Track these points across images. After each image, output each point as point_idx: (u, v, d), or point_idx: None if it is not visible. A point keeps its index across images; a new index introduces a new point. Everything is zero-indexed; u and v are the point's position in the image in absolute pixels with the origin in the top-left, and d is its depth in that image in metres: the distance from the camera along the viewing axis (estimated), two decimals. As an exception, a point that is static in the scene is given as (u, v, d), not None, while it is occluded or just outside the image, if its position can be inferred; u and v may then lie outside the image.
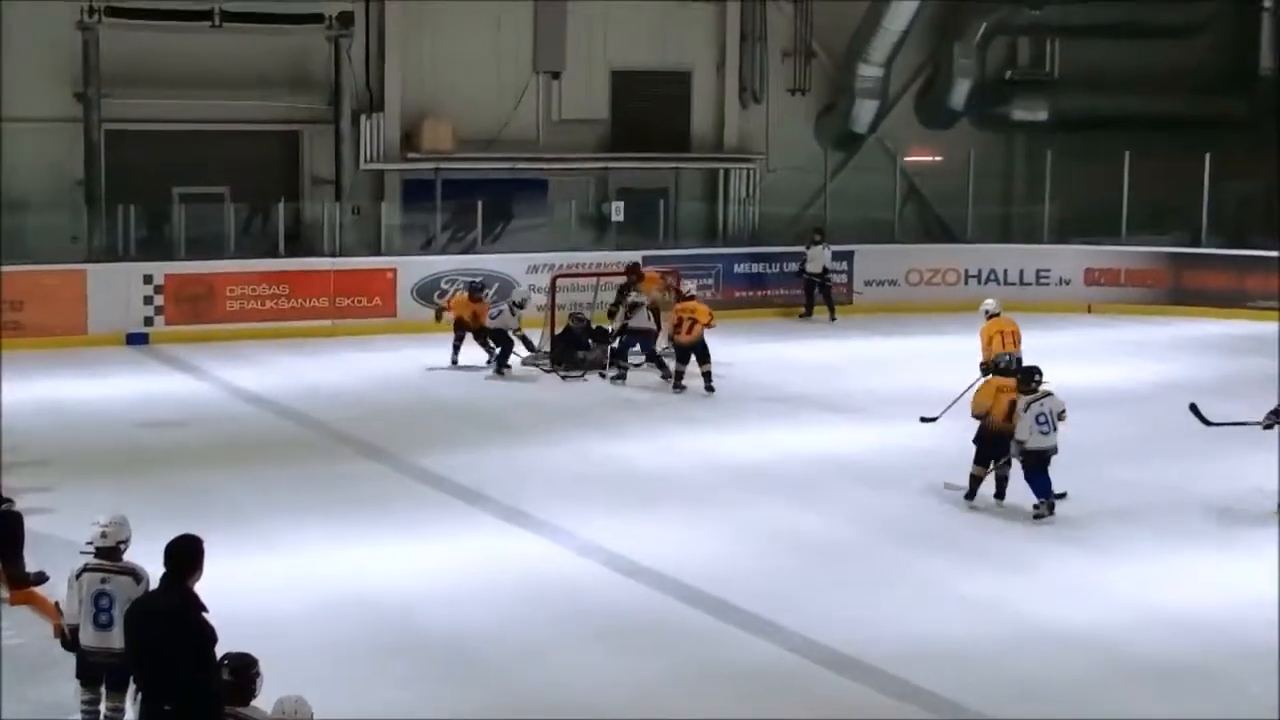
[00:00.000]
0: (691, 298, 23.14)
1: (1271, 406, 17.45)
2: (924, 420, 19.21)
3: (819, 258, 29.75)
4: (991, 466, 16.46)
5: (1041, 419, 16.08)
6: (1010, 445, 16.23)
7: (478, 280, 25.71)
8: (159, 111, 28.72)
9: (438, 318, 25.10)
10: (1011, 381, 16.60)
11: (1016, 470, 16.42)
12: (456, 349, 24.16)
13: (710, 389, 22.26)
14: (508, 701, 11.52)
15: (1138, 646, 12.66)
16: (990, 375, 17.55)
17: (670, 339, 22.94)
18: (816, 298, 29.87)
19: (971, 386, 17.99)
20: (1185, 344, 27.23)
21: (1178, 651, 12.56)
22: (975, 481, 16.59)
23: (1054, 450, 16.19)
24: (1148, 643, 12.73)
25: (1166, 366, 25.25)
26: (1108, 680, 12.00)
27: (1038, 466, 16.17)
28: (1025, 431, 16.01)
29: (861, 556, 15.09)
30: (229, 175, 29.31)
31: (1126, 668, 12.26)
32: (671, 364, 22.67)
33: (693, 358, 22.40)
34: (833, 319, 29.41)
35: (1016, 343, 20.68)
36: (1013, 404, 16.30)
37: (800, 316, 29.79)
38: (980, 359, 20.14)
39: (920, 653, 12.42)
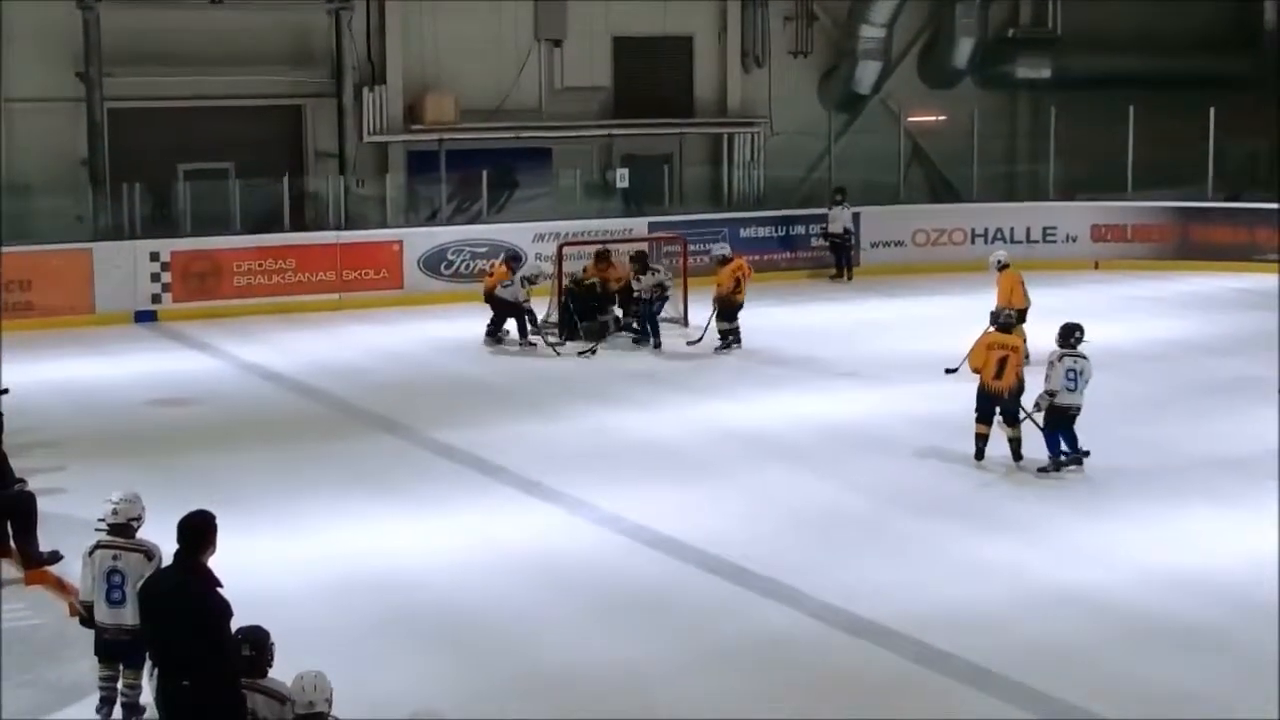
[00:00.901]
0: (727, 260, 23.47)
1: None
2: (948, 371, 19.07)
3: (840, 218, 29.88)
4: (1022, 422, 16.45)
5: (1071, 375, 16.06)
6: (1026, 400, 16.21)
7: (513, 251, 25.54)
8: (161, 89, 28.69)
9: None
10: (1003, 337, 16.61)
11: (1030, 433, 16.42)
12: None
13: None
14: (528, 674, 11.54)
15: (1153, 608, 12.67)
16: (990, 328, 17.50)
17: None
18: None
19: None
20: (1193, 299, 27.21)
21: (1193, 612, 12.57)
22: (979, 439, 16.59)
23: (1077, 409, 16.15)
24: (1163, 604, 12.74)
25: (1176, 323, 25.24)
26: (1123, 642, 12.02)
27: (1060, 424, 16.13)
28: (1056, 383, 16.00)
29: (876, 522, 15.09)
30: (233, 151, 29.27)
31: (1141, 629, 12.27)
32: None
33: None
34: (849, 279, 29.39)
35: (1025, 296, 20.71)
36: (1002, 361, 16.29)
37: (831, 279, 29.74)
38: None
39: (938, 617, 12.44)
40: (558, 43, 31.76)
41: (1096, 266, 30.78)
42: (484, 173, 29.61)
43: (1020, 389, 16.54)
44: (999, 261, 21.44)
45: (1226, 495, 15.68)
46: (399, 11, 30.52)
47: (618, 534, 14.70)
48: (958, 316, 24.24)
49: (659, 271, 24.00)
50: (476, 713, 10.91)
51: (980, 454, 16.59)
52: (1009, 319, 17.10)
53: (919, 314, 26.28)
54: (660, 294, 23.61)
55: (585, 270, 24.59)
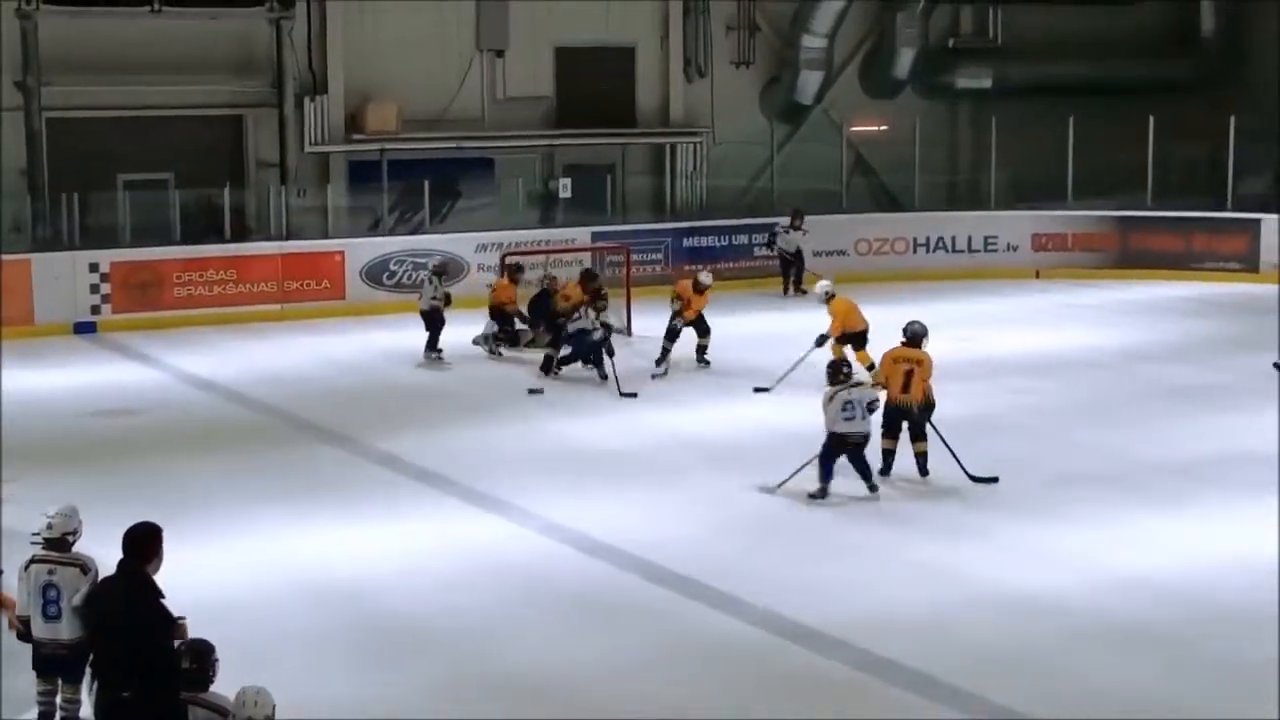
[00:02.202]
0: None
1: (1225, 367, 17.46)
2: (757, 390, 19.57)
3: (795, 241, 29.44)
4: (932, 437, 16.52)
5: (847, 407, 15.77)
6: (908, 417, 16.36)
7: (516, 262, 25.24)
8: (101, 99, 28.52)
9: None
10: (909, 352, 16.63)
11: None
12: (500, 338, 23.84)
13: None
14: (472, 683, 11.49)
15: (1099, 611, 12.72)
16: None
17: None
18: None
19: (803, 359, 19.67)
20: (1134, 307, 27.35)
21: (1139, 615, 12.62)
22: (886, 454, 16.48)
23: (862, 436, 15.84)
24: (1109, 607, 12.79)
25: (1117, 330, 25.38)
26: (1069, 645, 12.06)
27: (836, 451, 15.82)
28: (830, 420, 15.80)
29: (821, 528, 15.12)
30: (173, 161, 29.11)
31: (1087, 632, 12.31)
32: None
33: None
34: (799, 292, 29.03)
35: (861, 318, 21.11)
36: (908, 375, 16.36)
37: (786, 295, 29.40)
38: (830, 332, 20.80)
39: (883, 622, 12.46)
40: (500, 53, 31.73)
41: (1038, 275, 30.93)
42: (426, 183, 29.52)
43: (928, 403, 16.55)
44: (826, 293, 21.35)
45: (1170, 499, 15.76)
46: (340, 21, 30.44)
47: (563, 542, 14.66)
48: (900, 325, 24.32)
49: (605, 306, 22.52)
50: (427, 717, 10.86)
51: (887, 469, 16.47)
52: (916, 333, 17.02)
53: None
54: (607, 334, 21.87)
55: (565, 285, 23.95)
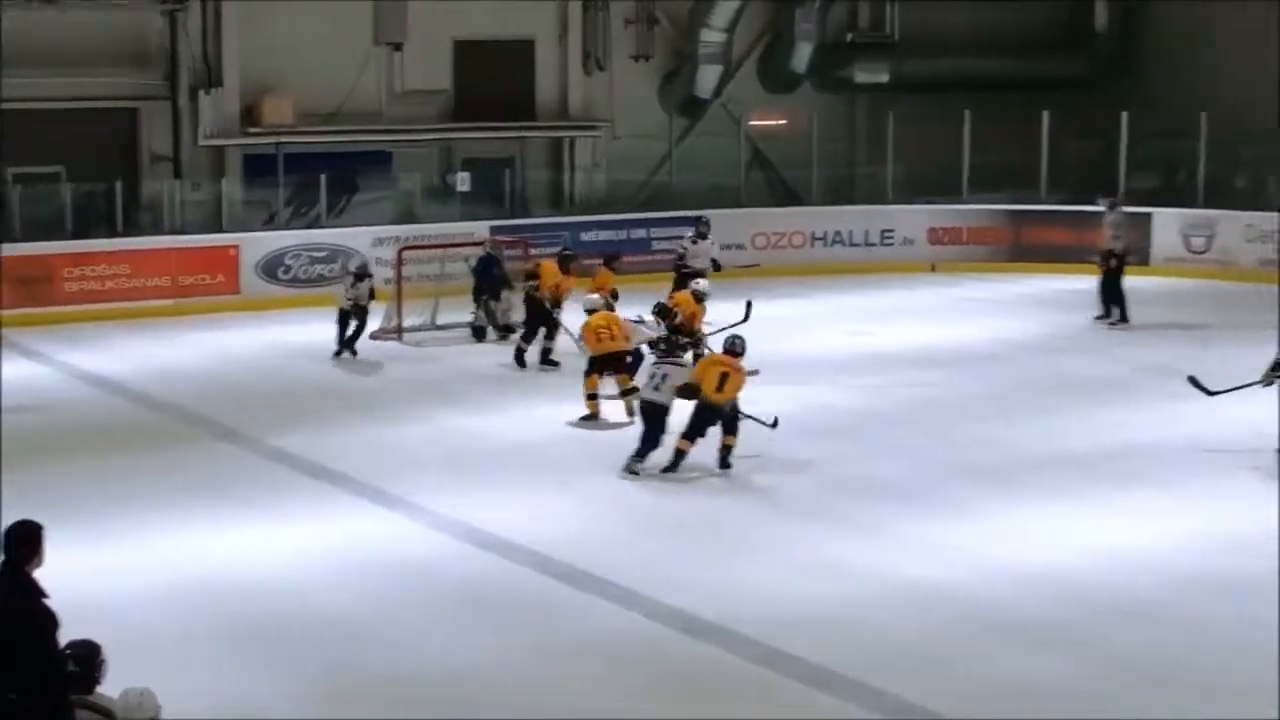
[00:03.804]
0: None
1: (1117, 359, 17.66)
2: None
3: (706, 252, 26.31)
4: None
5: (653, 377, 16.76)
6: (720, 416, 16.55)
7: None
8: (-10, 91, 28.11)
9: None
10: (724, 358, 16.84)
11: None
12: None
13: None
14: (372, 678, 11.44)
15: (995, 604, 12.80)
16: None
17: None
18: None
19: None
20: (1028, 300, 27.61)
21: (1034, 608, 12.72)
22: (678, 454, 16.57)
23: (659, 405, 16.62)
24: (1005, 600, 12.88)
25: (1011, 323, 25.60)
26: (966, 638, 12.15)
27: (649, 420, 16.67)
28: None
29: (714, 522, 15.17)
30: (64, 154, 28.69)
31: (977, 623, 12.41)
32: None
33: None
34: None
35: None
36: (723, 376, 16.51)
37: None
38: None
39: (781, 617, 12.49)
40: (398, 46, 31.51)
41: (933, 268, 31.16)
42: (323, 176, 29.33)
43: (735, 406, 16.70)
44: (701, 293, 21.13)
45: (1066, 491, 15.89)
46: (235, 12, 30.12)
47: (454, 537, 14.63)
48: (798, 319, 24.51)
49: None
50: (320, 717, 10.80)
51: (674, 467, 16.54)
52: (734, 344, 17.15)
53: (759, 316, 26.34)
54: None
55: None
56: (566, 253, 23.58)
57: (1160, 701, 10.98)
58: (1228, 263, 29.51)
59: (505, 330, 24.16)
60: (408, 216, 29.94)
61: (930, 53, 34.82)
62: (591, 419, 18.63)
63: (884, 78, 34.94)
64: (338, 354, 22.92)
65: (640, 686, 11.37)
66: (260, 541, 14.50)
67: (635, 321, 19.89)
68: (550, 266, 22.76)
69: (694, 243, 25.94)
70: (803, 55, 34.27)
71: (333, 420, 19.30)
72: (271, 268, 27.71)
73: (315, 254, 27.75)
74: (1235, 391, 17.35)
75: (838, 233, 31.62)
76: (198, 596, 13.04)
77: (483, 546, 14.36)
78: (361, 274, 23.47)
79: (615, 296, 21.87)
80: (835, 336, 23.94)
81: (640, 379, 17.44)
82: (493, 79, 32.43)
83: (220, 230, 28.62)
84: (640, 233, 30.53)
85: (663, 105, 34.20)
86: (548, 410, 19.51)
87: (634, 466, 16.54)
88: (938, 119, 31.58)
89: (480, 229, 27.96)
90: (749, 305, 20.14)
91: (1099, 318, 25.07)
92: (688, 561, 13.99)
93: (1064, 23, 36.10)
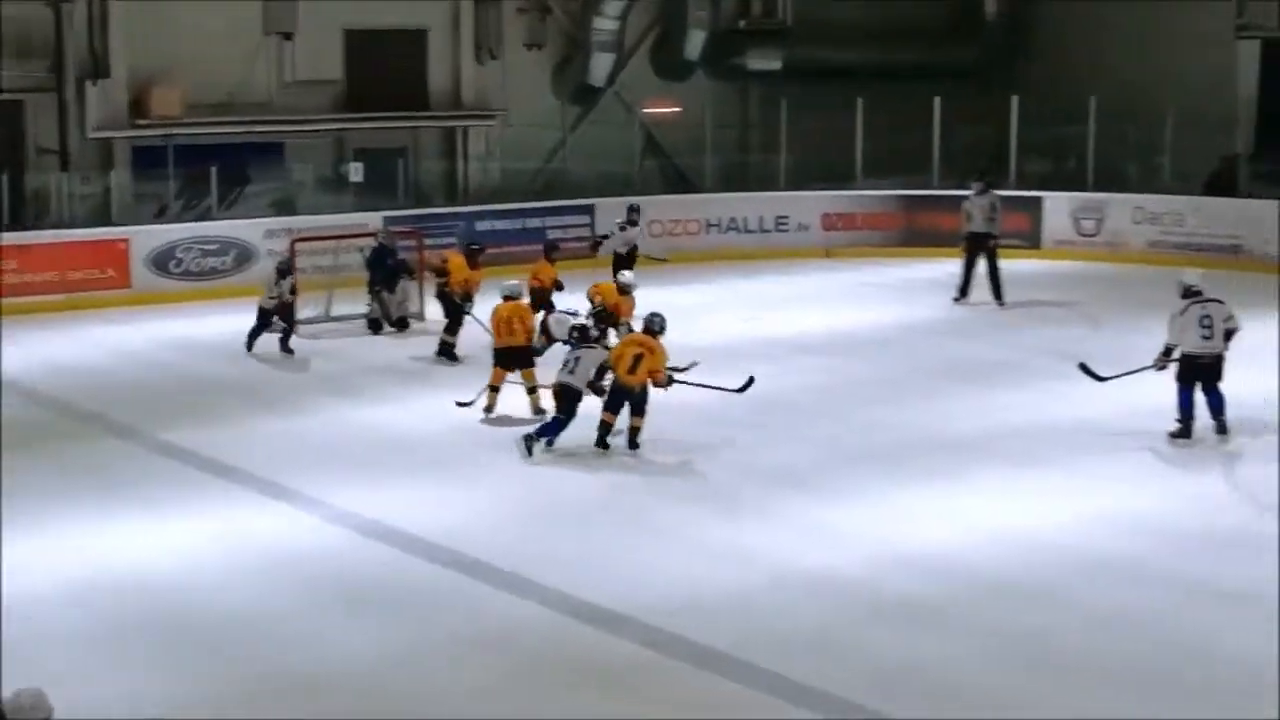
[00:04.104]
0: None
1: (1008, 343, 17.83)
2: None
3: (634, 238, 26.41)
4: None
5: (568, 361, 17.08)
6: (629, 397, 16.81)
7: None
8: None
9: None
10: (645, 339, 17.02)
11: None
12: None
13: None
14: (270, 674, 11.38)
15: (885, 586, 12.92)
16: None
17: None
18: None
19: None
20: (921, 285, 27.78)
21: (923, 589, 12.86)
22: (603, 426, 16.90)
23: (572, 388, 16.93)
24: (895, 582, 13.00)
25: (905, 308, 25.77)
26: (853, 619, 12.27)
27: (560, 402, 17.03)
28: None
29: (609, 510, 15.21)
30: (-52, 148, 28.31)
31: (870, 606, 12.53)
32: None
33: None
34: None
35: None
36: (637, 358, 16.73)
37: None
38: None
39: (675, 602, 12.54)
40: (288, 35, 31.25)
41: (828, 254, 31.31)
42: (213, 168, 29.05)
43: (645, 388, 16.87)
44: (629, 285, 21.14)
45: (957, 474, 16.03)
46: (122, 2, 29.72)
47: (355, 530, 14.56)
48: (693, 306, 24.51)
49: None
50: (218, 714, 10.73)
51: (601, 441, 16.87)
52: (652, 322, 17.26)
53: (652, 304, 26.36)
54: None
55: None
56: (474, 246, 23.45)
57: (1049, 682, 11.12)
58: (1117, 245, 29.91)
59: (401, 322, 24.06)
60: (300, 208, 29.72)
61: (822, 40, 34.97)
62: (488, 410, 18.57)
63: (777, 65, 35.07)
64: (249, 348, 22.54)
65: (538, 676, 11.37)
66: (155, 538, 14.35)
67: (568, 314, 19.84)
68: (458, 261, 22.67)
69: (622, 229, 25.98)
70: (695, 43, 34.34)
71: (226, 414, 19.13)
72: (162, 261, 27.41)
73: (206, 247, 27.48)
74: (1126, 377, 17.60)
75: (732, 219, 31.72)
76: (92, 595, 12.90)
77: (380, 539, 14.30)
78: (284, 270, 23.04)
79: (560, 287, 21.92)
80: (730, 323, 24.02)
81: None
82: (385, 68, 32.24)
83: (110, 224, 28.27)
84: (535, 222, 30.45)
85: (556, 94, 34.17)
86: (444, 402, 19.43)
87: (532, 446, 16.63)
88: (831, 106, 31.72)
89: (374, 220, 27.80)
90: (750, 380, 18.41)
91: (960, 297, 25.65)
92: (584, 549, 14.01)
93: (954, 10, 36.38)
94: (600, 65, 33.52)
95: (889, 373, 20.96)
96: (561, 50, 34.24)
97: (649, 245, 26.82)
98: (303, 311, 24.03)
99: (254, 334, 22.59)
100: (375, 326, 24.09)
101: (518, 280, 19.90)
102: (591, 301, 20.59)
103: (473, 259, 22.65)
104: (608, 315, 20.06)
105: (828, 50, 34.82)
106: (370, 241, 25.08)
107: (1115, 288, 26.88)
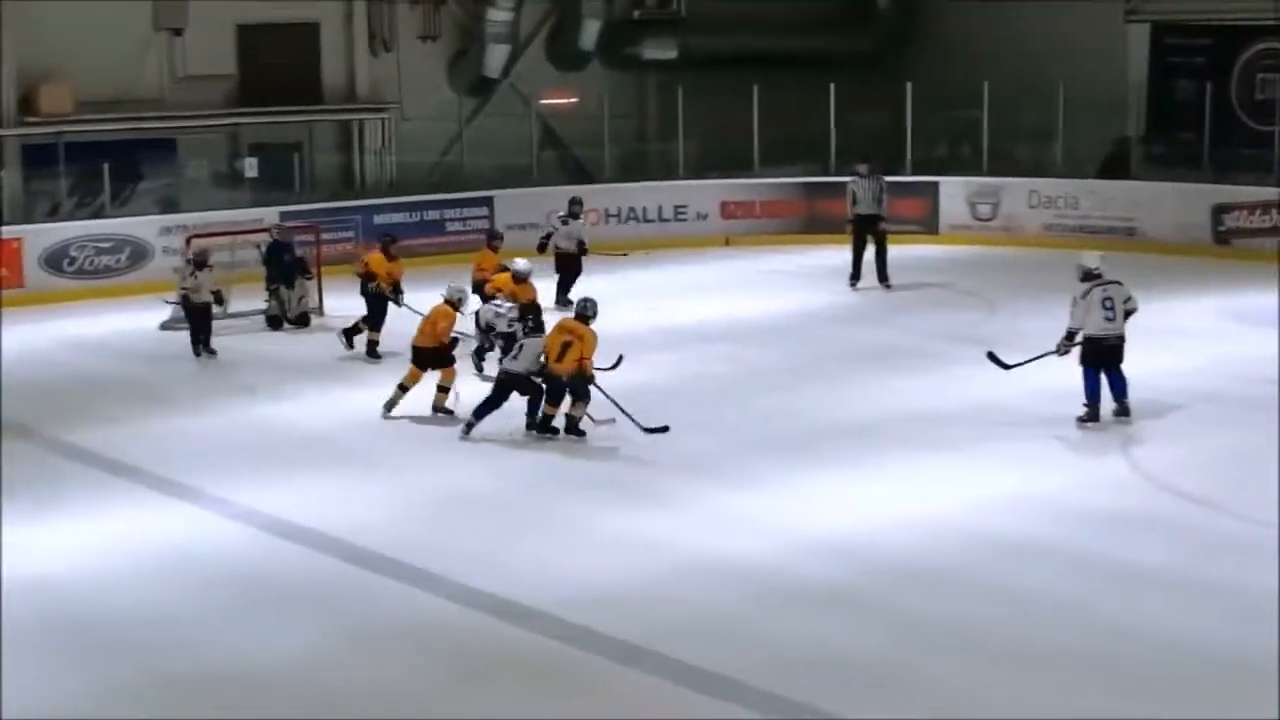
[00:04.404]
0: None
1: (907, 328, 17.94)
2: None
3: (577, 233, 25.52)
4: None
5: (513, 348, 17.55)
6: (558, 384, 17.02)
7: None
8: None
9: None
10: (575, 325, 17.13)
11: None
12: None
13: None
14: (177, 675, 11.26)
15: (786, 571, 12.99)
16: None
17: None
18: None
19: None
20: (821, 271, 27.86)
21: (833, 575, 12.92)
22: (545, 418, 17.09)
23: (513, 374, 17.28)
24: (796, 567, 13.07)
25: (805, 295, 25.88)
26: (760, 605, 12.33)
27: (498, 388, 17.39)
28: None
29: (518, 503, 15.17)
30: None
31: (777, 592, 12.59)
32: None
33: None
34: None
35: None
36: (565, 345, 16.88)
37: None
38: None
39: (587, 594, 12.54)
40: (179, 31, 30.91)
41: (727, 242, 31.38)
42: (105, 166, 28.70)
43: (581, 374, 16.93)
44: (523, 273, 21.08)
45: (860, 460, 16.14)
46: (9, 1, 29.29)
47: (260, 528, 14.45)
48: (595, 296, 24.41)
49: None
50: (116, 715, 10.62)
51: (543, 428, 17.09)
52: (584, 308, 17.30)
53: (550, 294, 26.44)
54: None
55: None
56: (387, 237, 23.29)
57: (961, 666, 11.19)
58: (1013, 229, 30.19)
59: (301, 318, 23.88)
60: (195, 204, 29.40)
61: (717, 29, 35.02)
62: (388, 407, 18.40)
63: (672, 54, 35.07)
64: (197, 353, 21.90)
65: (450, 672, 11.33)
66: (55, 539, 14.18)
67: (498, 305, 19.73)
68: (377, 258, 22.43)
69: (564, 223, 25.44)
70: (591, 33, 34.29)
71: (126, 414, 18.90)
72: (56, 260, 27.04)
73: (101, 245, 27.14)
74: (1032, 363, 17.74)
75: (631, 209, 31.70)
76: (-6, 598, 12.72)
77: (283, 536, 14.21)
78: (200, 262, 22.24)
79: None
80: (632, 313, 23.98)
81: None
82: (278, 63, 31.94)
83: (1, 223, 27.83)
84: (433, 214, 30.34)
85: (451, 86, 34.01)
86: (345, 398, 19.33)
87: (469, 428, 17.07)
88: (727, 94, 31.79)
89: (270, 215, 27.57)
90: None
91: (854, 281, 25.95)
92: (494, 543, 13.97)
93: (847, -1, 36.62)
94: (495, 57, 33.40)
95: (790, 360, 21.04)
96: (456, 42, 34.06)
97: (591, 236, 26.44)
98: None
99: (195, 336, 21.92)
100: (274, 323, 23.90)
101: (460, 286, 19.47)
102: (485, 295, 20.54)
103: (388, 251, 22.49)
104: (530, 305, 19.82)
105: (722, 39, 34.87)
106: (266, 237, 24.88)
107: (1012, 271, 27.14)
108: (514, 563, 13.37)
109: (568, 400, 17.09)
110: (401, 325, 20.79)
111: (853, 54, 34.75)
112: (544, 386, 17.14)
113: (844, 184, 27.10)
